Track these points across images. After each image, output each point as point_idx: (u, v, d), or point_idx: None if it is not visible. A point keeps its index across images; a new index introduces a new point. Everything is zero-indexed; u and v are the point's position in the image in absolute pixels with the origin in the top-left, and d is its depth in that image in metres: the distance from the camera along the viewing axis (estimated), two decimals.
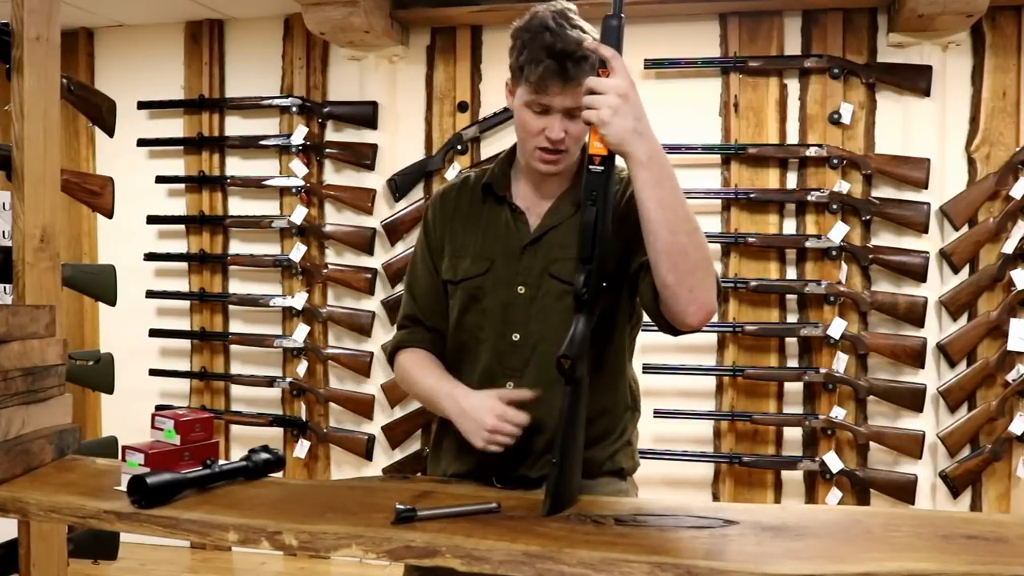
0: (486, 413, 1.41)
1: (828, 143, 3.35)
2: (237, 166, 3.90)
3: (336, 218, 3.77)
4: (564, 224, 1.51)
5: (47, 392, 1.60)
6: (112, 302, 2.42)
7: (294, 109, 3.75)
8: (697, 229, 1.31)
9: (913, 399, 3.27)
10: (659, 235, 1.28)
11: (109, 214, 2.46)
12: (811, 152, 3.33)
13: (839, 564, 1.07)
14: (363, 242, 3.69)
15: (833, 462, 3.28)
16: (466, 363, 1.56)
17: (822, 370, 3.30)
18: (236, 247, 3.90)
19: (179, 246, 3.93)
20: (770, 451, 3.42)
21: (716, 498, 3.44)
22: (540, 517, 1.28)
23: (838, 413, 3.30)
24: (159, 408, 3.16)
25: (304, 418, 3.77)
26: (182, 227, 3.92)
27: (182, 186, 3.92)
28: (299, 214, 3.70)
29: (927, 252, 3.27)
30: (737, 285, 3.36)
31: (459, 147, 3.62)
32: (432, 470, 1.64)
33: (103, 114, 2.43)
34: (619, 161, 1.35)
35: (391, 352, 1.67)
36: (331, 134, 3.79)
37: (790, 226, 3.42)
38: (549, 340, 1.47)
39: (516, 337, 1.51)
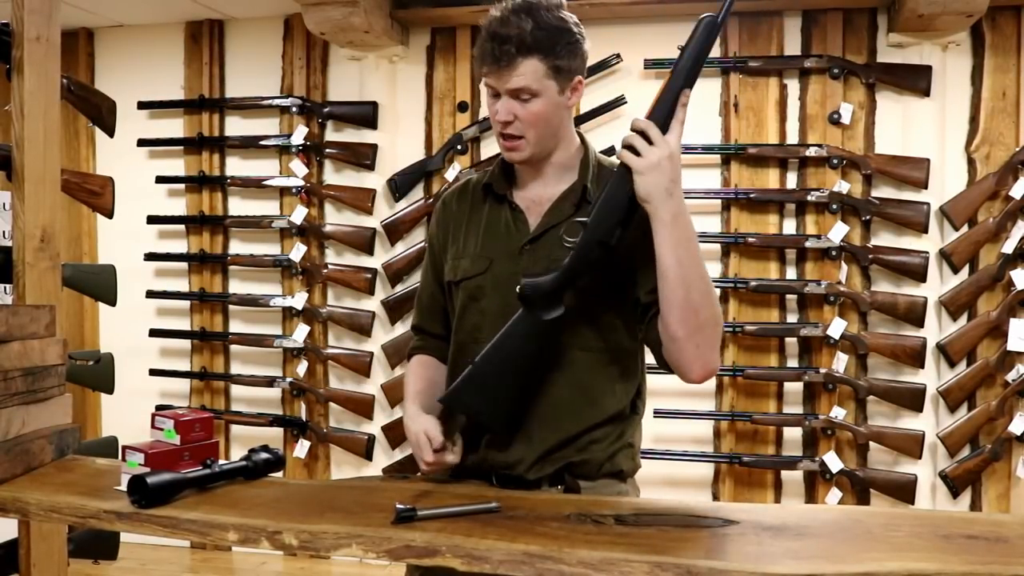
0: (414, 443, 1.47)
1: (828, 143, 3.35)
2: (237, 166, 3.90)
3: (336, 218, 3.77)
4: (565, 223, 1.49)
5: (47, 392, 1.60)
6: (112, 302, 2.42)
7: (294, 109, 3.75)
8: (710, 288, 1.37)
9: (913, 399, 3.27)
10: (674, 292, 1.34)
11: (109, 214, 2.46)
12: (811, 152, 3.33)
13: (839, 564, 1.07)
14: (363, 242, 3.69)
15: (833, 462, 3.28)
16: (465, 364, 1.55)
17: (822, 370, 3.30)
18: (236, 247, 3.90)
19: (179, 246, 3.93)
20: (770, 451, 3.42)
21: (716, 498, 3.44)
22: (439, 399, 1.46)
23: (838, 413, 3.30)
24: (159, 408, 3.16)
25: (304, 418, 3.77)
26: (182, 227, 3.92)
27: (182, 186, 3.92)
28: (299, 214, 3.70)
29: (927, 252, 3.27)
30: (737, 285, 3.36)
31: (459, 147, 3.61)
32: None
33: (103, 114, 2.43)
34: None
35: (408, 358, 1.73)
36: (331, 134, 3.79)
37: (790, 226, 3.42)
38: None
39: None
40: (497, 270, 1.51)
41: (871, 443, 3.32)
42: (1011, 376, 3.21)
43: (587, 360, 1.47)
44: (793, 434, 3.42)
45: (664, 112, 1.35)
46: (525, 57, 1.42)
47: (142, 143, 3.90)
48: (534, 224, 1.52)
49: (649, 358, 1.53)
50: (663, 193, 1.31)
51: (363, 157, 3.70)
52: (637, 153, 1.32)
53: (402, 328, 3.66)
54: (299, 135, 3.72)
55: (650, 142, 1.32)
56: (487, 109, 1.52)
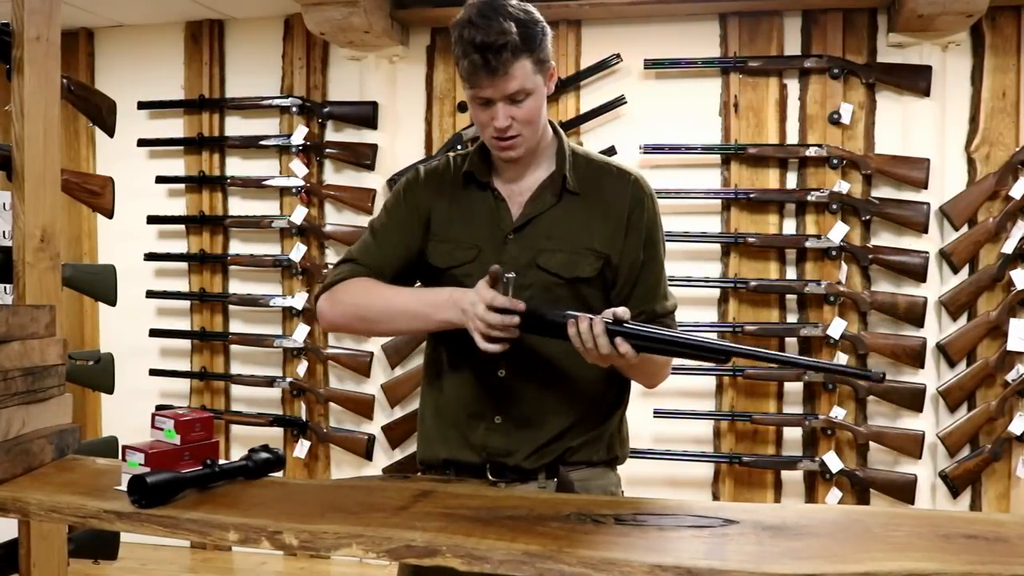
0: (477, 302, 1.40)
1: (828, 143, 3.35)
2: (237, 166, 3.90)
3: (336, 218, 3.77)
4: (547, 214, 1.53)
5: (47, 392, 1.60)
6: (112, 302, 2.42)
7: (294, 109, 3.75)
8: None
9: (913, 399, 3.27)
10: (650, 366, 1.51)
11: (109, 214, 2.46)
12: (811, 152, 3.33)
13: (839, 564, 1.07)
14: None
15: (833, 462, 3.28)
16: (454, 354, 1.56)
17: None
18: (236, 247, 3.90)
19: (179, 246, 3.93)
20: (770, 451, 3.42)
21: (716, 498, 3.44)
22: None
23: (838, 413, 3.30)
24: (159, 408, 3.16)
25: (304, 418, 3.77)
26: (182, 227, 3.92)
27: (182, 186, 3.92)
28: (299, 214, 3.70)
29: (927, 252, 3.27)
30: (737, 285, 3.36)
31: (459, 147, 3.61)
32: (423, 454, 1.63)
33: (103, 114, 2.43)
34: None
35: (330, 283, 1.58)
36: (331, 134, 3.79)
37: (790, 226, 3.42)
38: None
39: None
40: (485, 259, 1.53)
41: (871, 443, 3.32)
42: (1011, 376, 3.21)
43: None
44: (793, 434, 3.42)
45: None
46: (517, 59, 1.42)
47: (142, 143, 3.90)
48: (516, 214, 1.55)
49: None
50: None
51: (363, 157, 3.70)
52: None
53: None
54: (299, 135, 3.72)
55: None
56: (474, 117, 1.51)
